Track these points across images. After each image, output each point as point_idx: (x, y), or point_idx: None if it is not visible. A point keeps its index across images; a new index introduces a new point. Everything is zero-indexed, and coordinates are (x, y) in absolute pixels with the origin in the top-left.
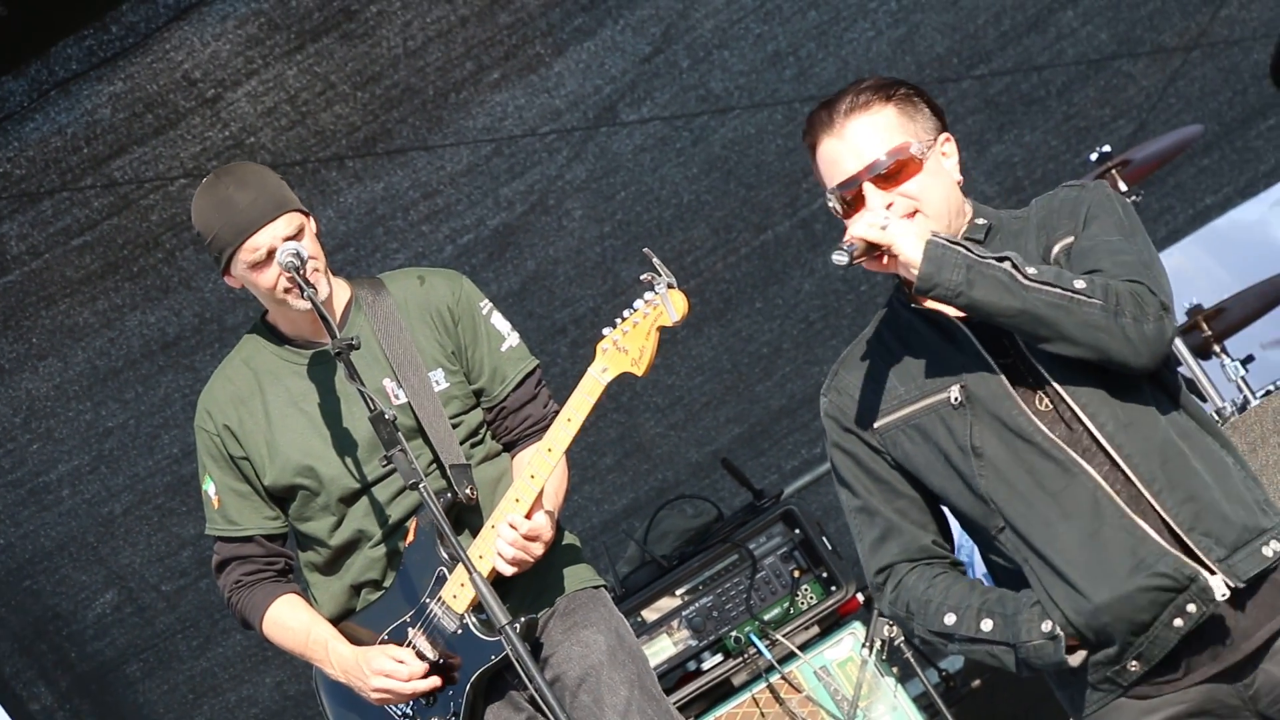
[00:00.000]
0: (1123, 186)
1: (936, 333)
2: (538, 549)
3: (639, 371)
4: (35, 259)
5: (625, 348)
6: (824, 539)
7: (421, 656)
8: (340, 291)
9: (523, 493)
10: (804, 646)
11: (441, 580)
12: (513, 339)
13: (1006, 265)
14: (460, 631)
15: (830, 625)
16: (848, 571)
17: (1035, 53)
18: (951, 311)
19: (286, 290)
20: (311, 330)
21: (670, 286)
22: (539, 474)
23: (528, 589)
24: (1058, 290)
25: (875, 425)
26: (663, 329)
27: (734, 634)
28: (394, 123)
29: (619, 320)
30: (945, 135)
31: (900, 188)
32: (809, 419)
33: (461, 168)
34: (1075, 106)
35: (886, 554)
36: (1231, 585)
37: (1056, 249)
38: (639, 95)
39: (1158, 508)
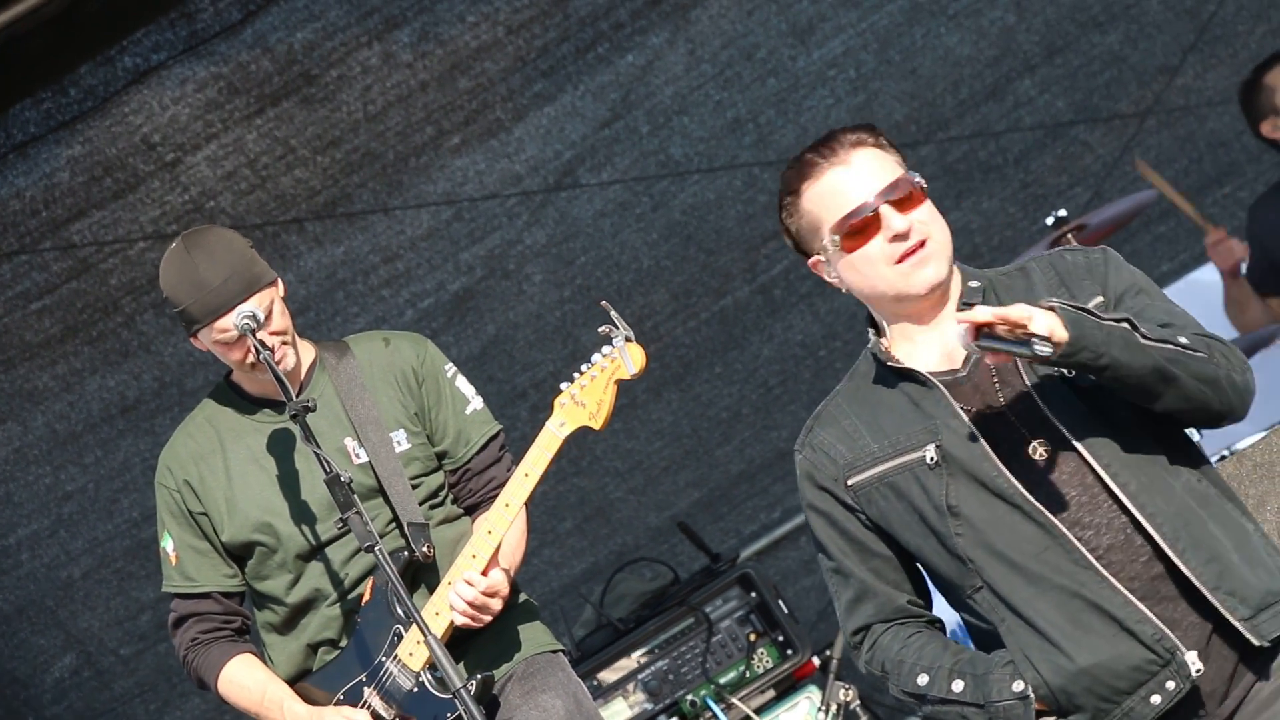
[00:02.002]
0: None
1: (911, 390)
2: (495, 605)
3: (597, 425)
4: None
5: (583, 402)
6: (780, 602)
7: (377, 716)
8: (305, 353)
9: (479, 549)
10: (760, 710)
11: (398, 638)
12: (477, 403)
13: (1125, 325)
14: (416, 690)
15: (786, 689)
16: (804, 635)
17: (993, 120)
18: (924, 367)
19: (253, 365)
20: (274, 390)
21: (628, 339)
22: (496, 529)
23: (485, 649)
24: (1171, 346)
25: (850, 483)
26: (621, 382)
27: (690, 697)
28: (354, 187)
29: (576, 375)
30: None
31: (913, 212)
32: (767, 483)
33: (421, 232)
34: (1032, 174)
35: (862, 615)
36: (1257, 644)
37: (1091, 306)
38: (599, 160)
39: (1183, 567)
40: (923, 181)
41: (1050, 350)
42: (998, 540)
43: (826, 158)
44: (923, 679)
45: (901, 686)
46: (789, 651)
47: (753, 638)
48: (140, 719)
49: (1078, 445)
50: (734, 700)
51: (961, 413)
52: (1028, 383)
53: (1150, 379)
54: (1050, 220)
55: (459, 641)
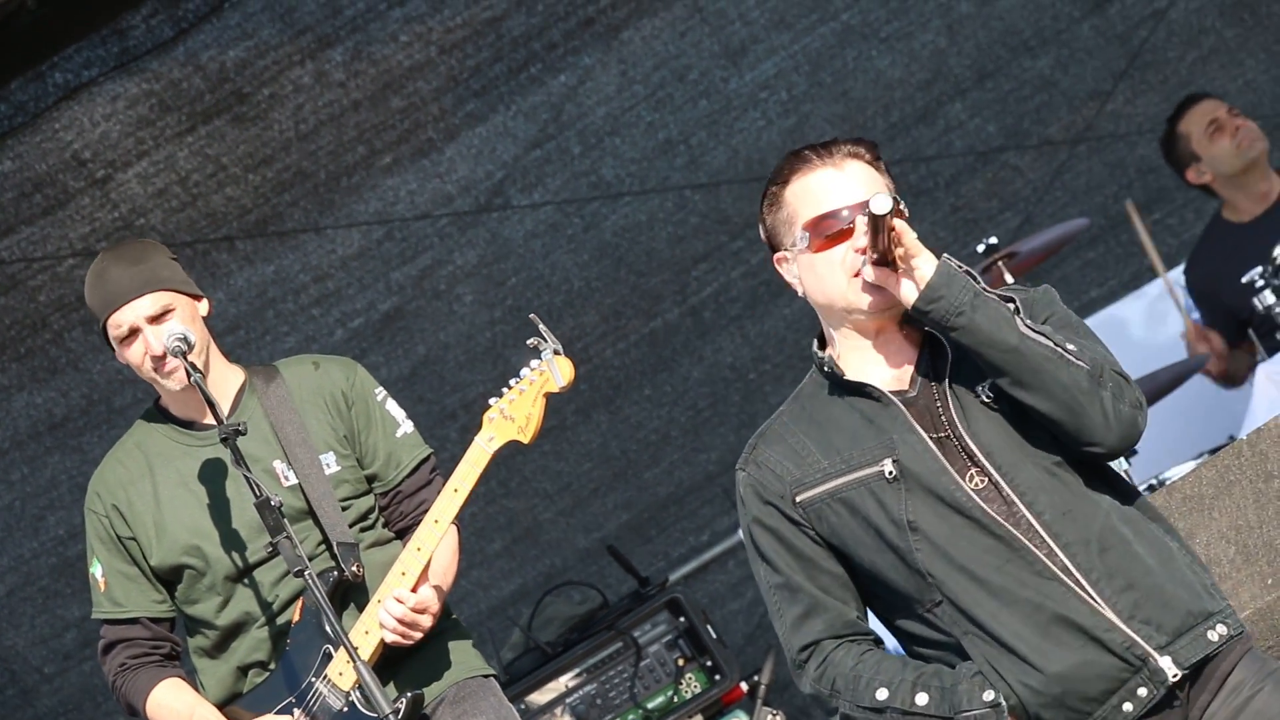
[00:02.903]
0: (1009, 279)
1: (865, 406)
2: (425, 621)
3: (525, 439)
4: None
5: (512, 415)
6: (709, 627)
7: None
8: (234, 376)
9: (409, 565)
10: None
11: (327, 658)
12: (407, 426)
13: (1010, 306)
14: (346, 710)
15: (714, 714)
16: (732, 660)
17: (924, 144)
18: (882, 384)
19: (154, 369)
20: (201, 412)
21: (556, 353)
22: (425, 546)
23: (416, 670)
24: (1051, 344)
25: (798, 499)
26: (550, 395)
27: None
28: (285, 205)
29: (505, 390)
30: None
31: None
32: (697, 506)
33: (353, 251)
34: (963, 198)
35: (810, 631)
36: (1171, 674)
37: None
38: (530, 181)
39: (1097, 598)
40: (905, 209)
41: (884, 208)
42: (958, 554)
43: (822, 157)
44: (882, 693)
45: (858, 701)
46: (717, 676)
47: (681, 663)
48: None
49: (993, 472)
50: None
51: (919, 428)
52: (953, 409)
53: (1011, 360)
54: (981, 247)
55: (389, 661)
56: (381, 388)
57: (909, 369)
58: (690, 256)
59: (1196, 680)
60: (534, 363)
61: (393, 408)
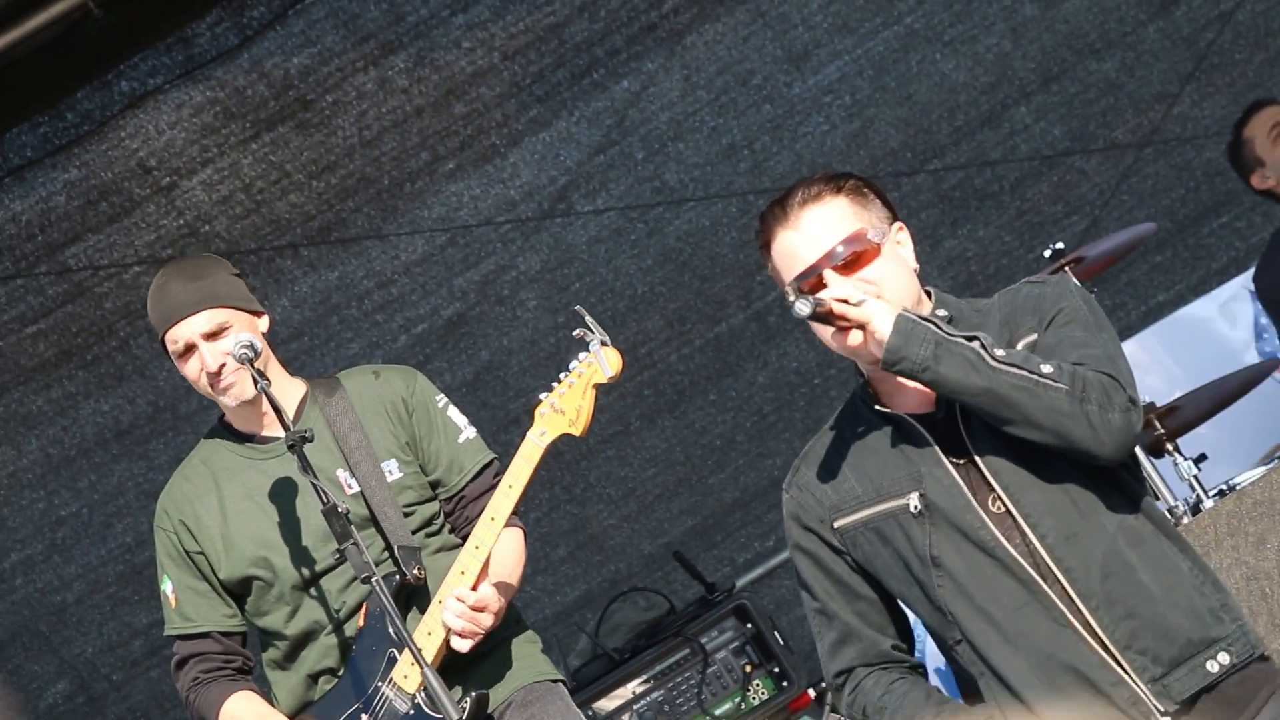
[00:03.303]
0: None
1: (896, 434)
2: (486, 620)
3: (577, 431)
4: None
5: (562, 409)
6: (776, 633)
7: None
8: (294, 389)
9: (467, 564)
10: None
11: (392, 662)
12: (470, 432)
13: (976, 345)
14: (412, 712)
15: None
16: (800, 666)
17: (989, 148)
18: (904, 408)
19: (210, 385)
20: (263, 425)
21: (603, 343)
22: (483, 544)
23: (484, 673)
24: (1024, 372)
25: (836, 525)
26: (599, 386)
27: None
28: (349, 212)
29: (555, 384)
30: (898, 224)
31: (859, 274)
32: (762, 511)
33: (416, 257)
34: (1028, 202)
35: (844, 657)
36: (1162, 710)
37: (1020, 346)
38: (594, 186)
39: (1095, 625)
40: (891, 232)
41: (805, 310)
42: (977, 594)
43: (779, 219)
44: None
45: None
46: (784, 683)
47: (748, 669)
48: None
49: (1003, 496)
50: None
51: (947, 461)
52: (970, 430)
53: (986, 400)
54: (1048, 253)
55: (457, 664)
56: (443, 395)
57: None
58: (754, 261)
59: (1195, 706)
60: (581, 355)
61: (454, 414)
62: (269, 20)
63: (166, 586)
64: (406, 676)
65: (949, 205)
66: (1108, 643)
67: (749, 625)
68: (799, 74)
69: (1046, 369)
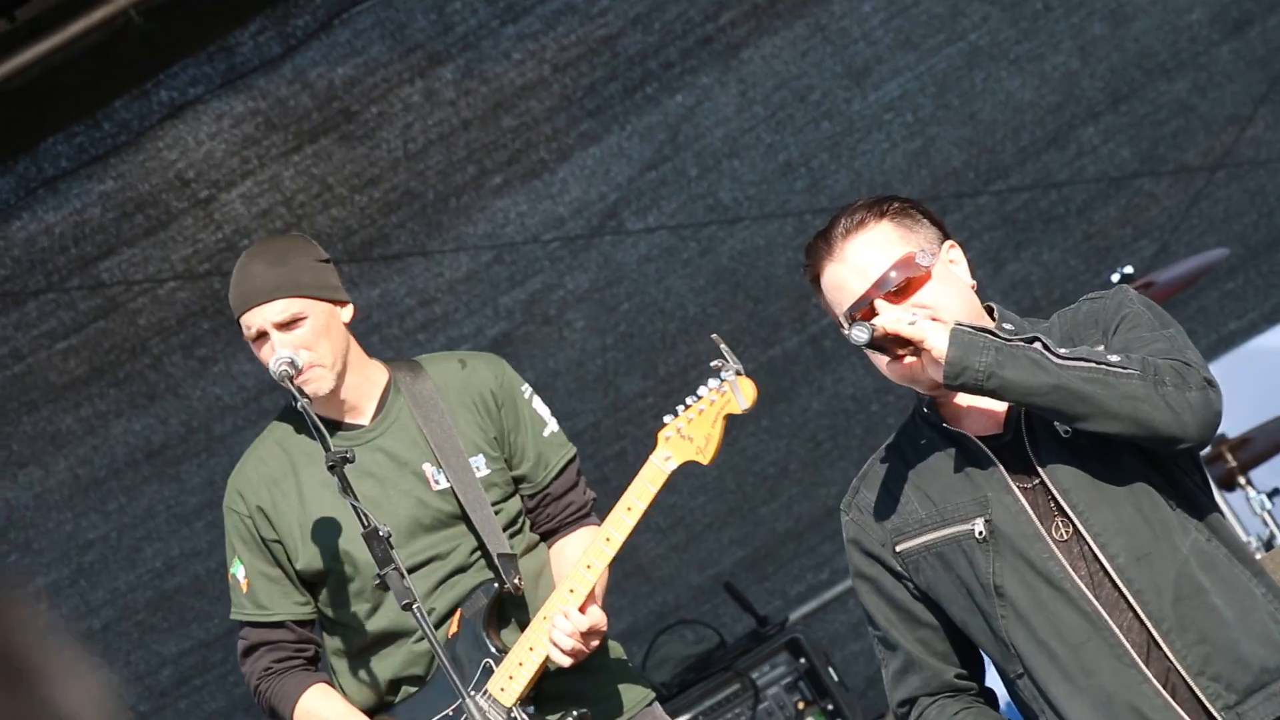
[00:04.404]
0: None
1: (960, 455)
2: (595, 642)
3: (705, 460)
4: (18, 362)
5: (690, 435)
6: (830, 669)
7: None
8: (378, 375)
9: (577, 583)
10: None
11: (487, 673)
12: (553, 424)
13: (1037, 345)
14: None
15: None
16: (855, 705)
17: (1055, 169)
18: (970, 429)
19: (283, 378)
20: (342, 412)
21: (738, 373)
22: (595, 564)
23: (582, 692)
24: (1091, 364)
25: (898, 549)
26: (730, 417)
27: None
28: (392, 227)
29: (681, 408)
30: (949, 242)
31: (912, 299)
32: (816, 542)
33: (460, 275)
34: (1095, 225)
35: (908, 687)
36: None
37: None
38: (645, 203)
39: (1166, 650)
40: (941, 251)
41: (864, 337)
42: (1040, 627)
43: (824, 252)
44: None
45: None
46: None
47: (801, 706)
48: None
49: (1073, 517)
50: None
51: (1014, 487)
52: (1036, 450)
53: (1058, 398)
54: (1115, 277)
55: (554, 683)
56: (527, 385)
57: (1004, 409)
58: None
59: None
60: (712, 382)
61: (539, 405)
62: (314, 29)
63: (238, 571)
64: (503, 689)
65: (1013, 228)
66: (1180, 668)
67: (802, 660)
68: (859, 90)
69: (1114, 358)
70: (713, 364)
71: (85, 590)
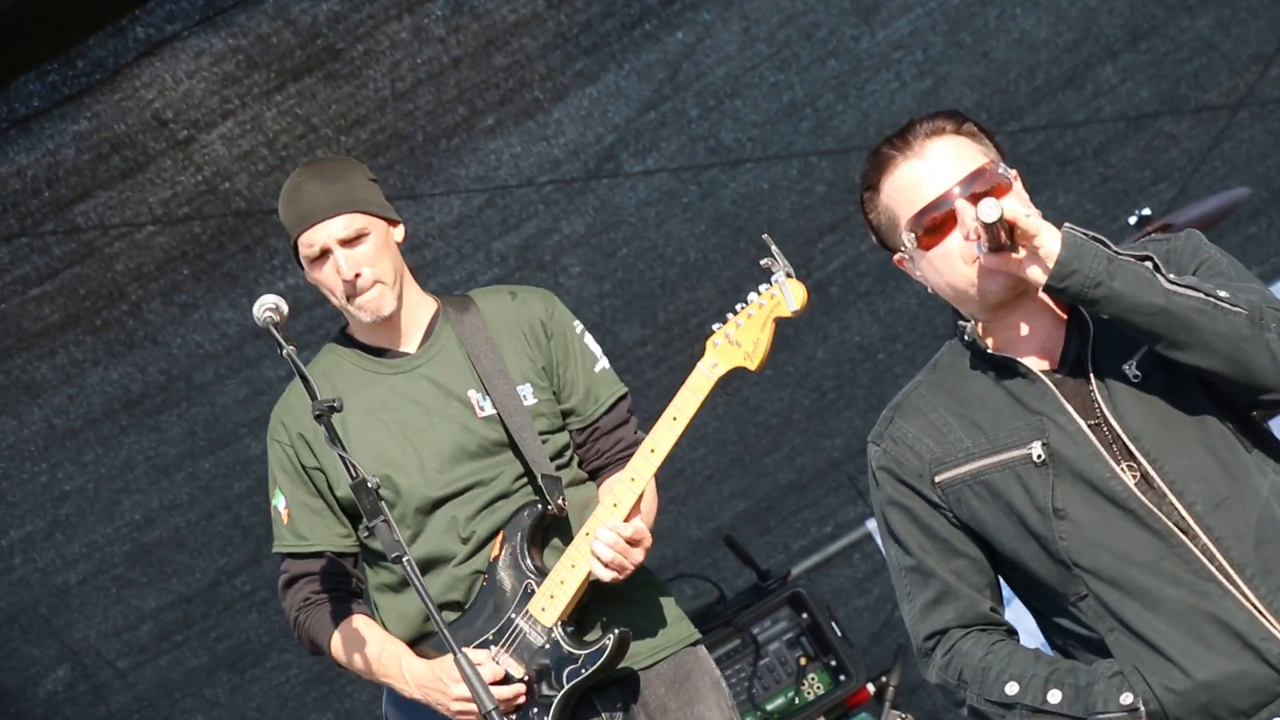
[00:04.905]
0: None
1: (1012, 383)
2: (638, 555)
3: (753, 366)
4: None
5: (738, 341)
6: (834, 624)
7: (508, 675)
8: (426, 305)
9: (621, 496)
10: None
11: (529, 594)
12: (604, 361)
13: (1148, 264)
14: (548, 646)
15: (838, 717)
16: (858, 660)
17: (1071, 110)
18: (1036, 364)
19: (346, 296)
20: (391, 340)
21: (789, 275)
22: (640, 476)
23: (627, 619)
24: (1201, 295)
25: (938, 479)
26: (780, 320)
27: None
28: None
29: (730, 315)
30: (1014, 170)
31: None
32: (820, 495)
33: (451, 219)
34: (1113, 168)
35: (940, 618)
36: None
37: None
38: (644, 145)
39: (1251, 595)
40: (1010, 172)
41: (994, 215)
42: (1108, 546)
43: (901, 150)
44: (1012, 687)
45: (985, 695)
46: (842, 677)
47: (803, 662)
48: None
49: (1144, 462)
50: None
51: (1071, 409)
52: (1102, 392)
53: (1161, 321)
54: (1133, 219)
55: (598, 605)
56: (579, 321)
57: (1058, 346)
58: (816, 228)
59: None
60: (762, 286)
61: (590, 342)
62: None
63: (279, 502)
64: (544, 609)
65: (1027, 170)
66: (1266, 612)
67: (804, 615)
68: (867, 27)
69: (1224, 294)
70: (763, 262)
71: (61, 543)
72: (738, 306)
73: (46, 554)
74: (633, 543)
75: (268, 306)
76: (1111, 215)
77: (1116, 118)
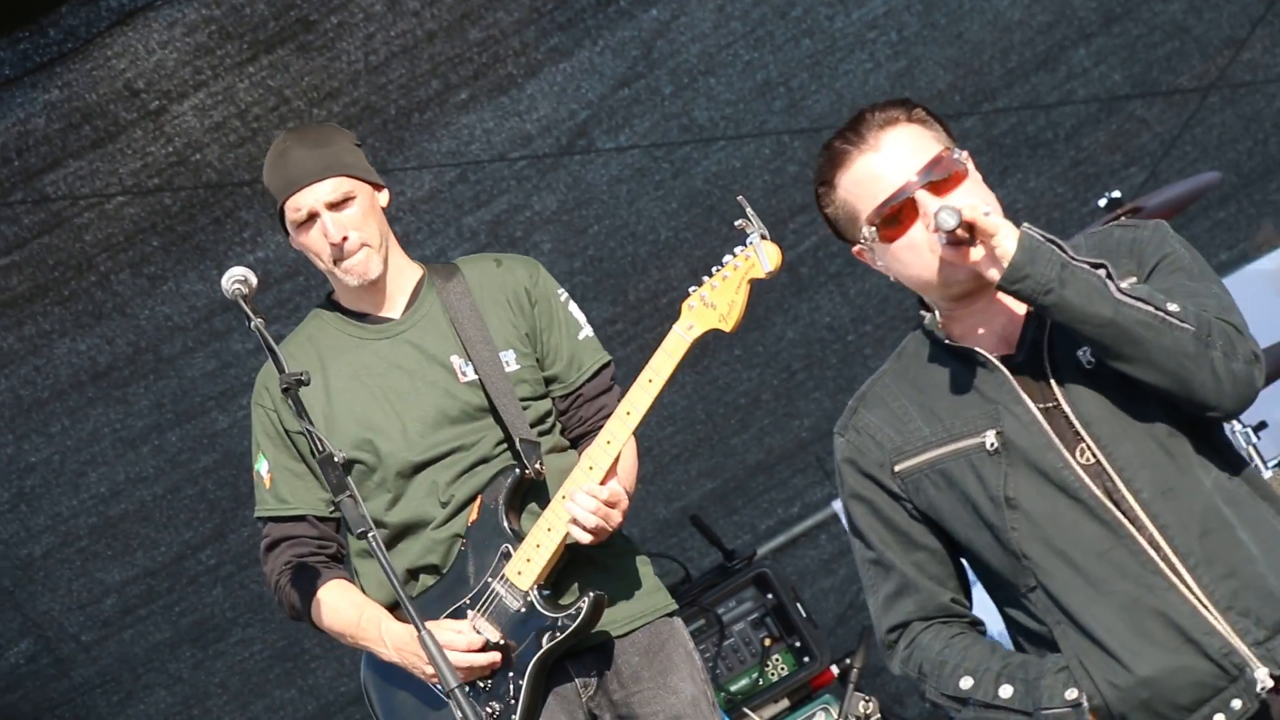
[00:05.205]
0: None
1: (968, 372)
2: (616, 517)
3: (727, 327)
4: None
5: (713, 303)
6: (799, 605)
7: (486, 642)
8: (411, 271)
9: (597, 459)
10: None
11: (505, 558)
12: (588, 330)
13: (1101, 273)
14: (524, 610)
15: (802, 698)
16: (822, 641)
17: (1043, 92)
18: (988, 347)
19: (333, 260)
20: (376, 305)
21: (763, 236)
22: (615, 439)
23: (601, 585)
24: (1149, 308)
25: (897, 469)
26: (755, 282)
27: None
28: None
29: (705, 277)
30: (965, 152)
31: (953, 195)
32: (788, 476)
33: (423, 194)
34: (1084, 151)
35: (901, 611)
36: (1272, 673)
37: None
38: (617, 122)
39: (1194, 584)
40: (965, 157)
41: (952, 223)
42: (1057, 537)
43: (855, 143)
44: (966, 682)
45: (941, 689)
46: (806, 659)
47: (767, 643)
48: (101, 711)
49: (1093, 446)
50: (746, 710)
51: (1026, 398)
52: (1057, 375)
53: (1108, 333)
54: (1103, 202)
55: (574, 570)
56: (564, 290)
57: (1016, 330)
58: (788, 207)
59: None
60: (737, 249)
61: (574, 310)
62: None
63: (261, 466)
64: (520, 572)
65: (999, 152)
66: (1207, 603)
67: (770, 596)
68: (842, 7)
69: (1173, 307)
70: (737, 223)
71: (26, 515)
72: (713, 269)
73: (11, 526)
74: (610, 505)
75: (236, 278)
76: (1082, 198)
77: (1089, 100)
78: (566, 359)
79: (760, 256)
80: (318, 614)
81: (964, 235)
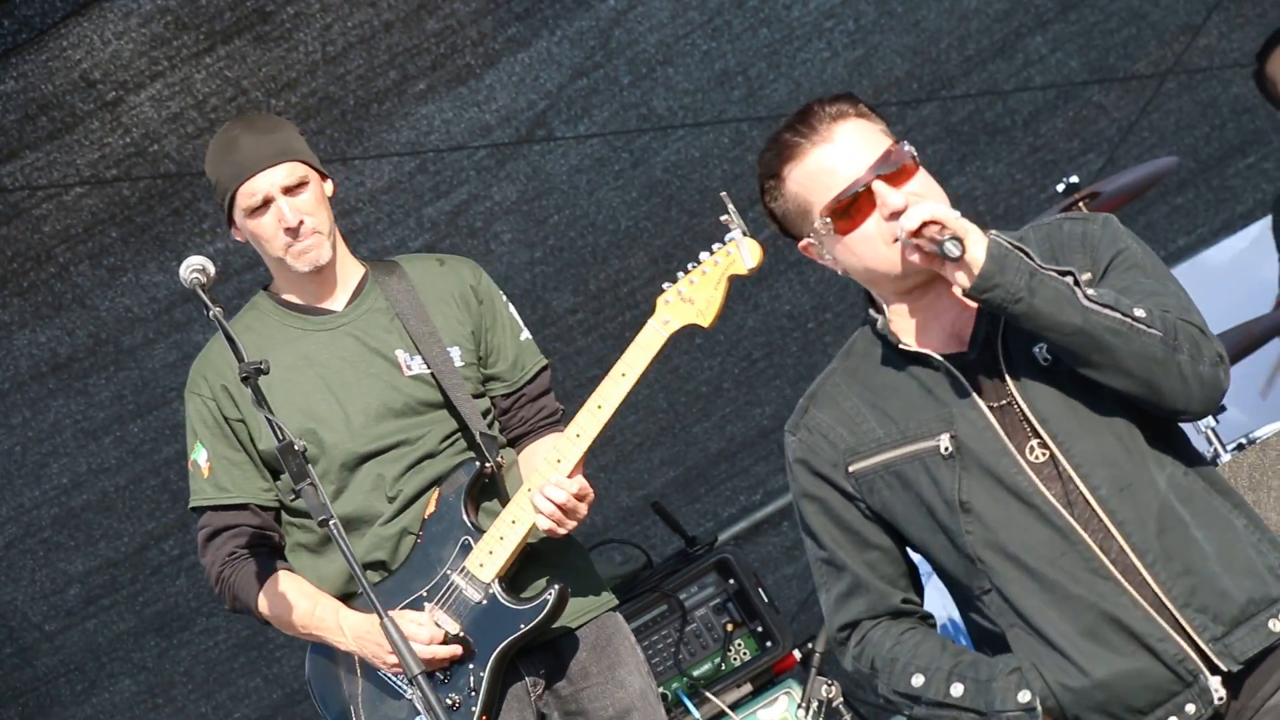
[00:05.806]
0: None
1: (922, 373)
2: (583, 511)
3: (705, 323)
4: None
5: (691, 298)
6: (760, 590)
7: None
8: (355, 266)
9: (565, 452)
10: (735, 705)
11: (465, 550)
12: (527, 333)
13: (1069, 280)
14: (485, 602)
15: (764, 683)
16: (784, 626)
17: (1001, 79)
18: (930, 348)
19: (286, 245)
20: (319, 296)
21: (744, 233)
22: (585, 433)
23: (561, 577)
24: (1118, 315)
25: (851, 469)
26: (734, 279)
27: (661, 690)
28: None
29: (682, 273)
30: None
31: (907, 187)
32: (749, 463)
33: (382, 184)
34: (1042, 138)
35: (852, 609)
36: (1225, 669)
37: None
38: (575, 112)
39: (1151, 581)
40: (913, 151)
41: (959, 252)
42: (1010, 541)
43: (808, 136)
44: (918, 679)
45: (893, 686)
46: (768, 643)
47: (730, 628)
48: (64, 700)
49: (1050, 443)
50: (708, 694)
51: (981, 404)
52: (1011, 371)
53: (1077, 341)
54: (1061, 187)
55: (528, 566)
56: (503, 294)
57: (967, 325)
58: (747, 196)
59: (1255, 670)
60: (716, 245)
61: (514, 312)
62: None
63: (199, 456)
64: (483, 565)
65: (957, 140)
66: (1165, 600)
67: (731, 581)
68: None
69: (1139, 313)
70: (721, 218)
71: None
72: (690, 265)
73: None
74: (579, 498)
75: (194, 267)
76: (1040, 185)
77: (1046, 87)
78: (511, 359)
79: (743, 253)
80: (264, 606)
81: (955, 251)
